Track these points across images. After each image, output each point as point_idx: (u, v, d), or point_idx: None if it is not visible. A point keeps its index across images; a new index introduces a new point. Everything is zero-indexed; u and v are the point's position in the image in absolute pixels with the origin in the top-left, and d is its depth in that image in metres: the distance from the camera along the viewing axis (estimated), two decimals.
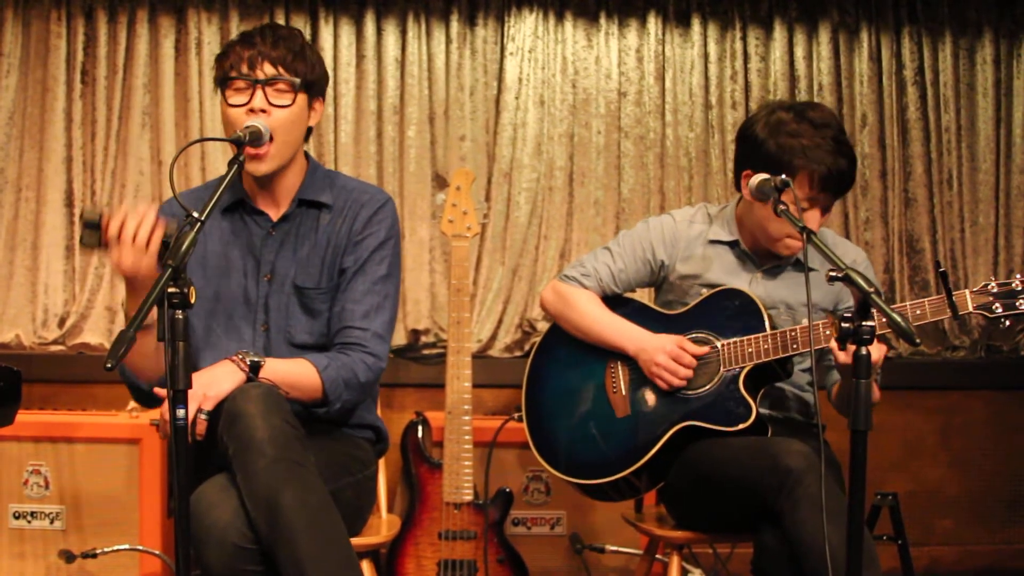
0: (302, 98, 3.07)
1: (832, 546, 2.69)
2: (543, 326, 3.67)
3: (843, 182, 3.26)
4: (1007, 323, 3.04)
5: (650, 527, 3.50)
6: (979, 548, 5.18)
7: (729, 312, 3.36)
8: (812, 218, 3.25)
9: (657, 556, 3.75)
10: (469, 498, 3.99)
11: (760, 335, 3.24)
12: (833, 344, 2.98)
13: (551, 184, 5.12)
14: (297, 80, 3.04)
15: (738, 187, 3.44)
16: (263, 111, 2.99)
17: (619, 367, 3.47)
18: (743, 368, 3.26)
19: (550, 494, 4.39)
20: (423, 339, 5.02)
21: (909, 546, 3.88)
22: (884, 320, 2.48)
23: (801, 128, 3.24)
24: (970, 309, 3.04)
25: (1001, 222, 5.32)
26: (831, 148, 3.21)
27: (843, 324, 2.45)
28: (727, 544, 4.27)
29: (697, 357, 3.31)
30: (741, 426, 3.20)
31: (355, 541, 2.80)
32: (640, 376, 3.41)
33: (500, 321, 5.07)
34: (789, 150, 3.22)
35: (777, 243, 3.34)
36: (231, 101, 3.03)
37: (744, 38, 5.21)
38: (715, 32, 5.20)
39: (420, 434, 4.17)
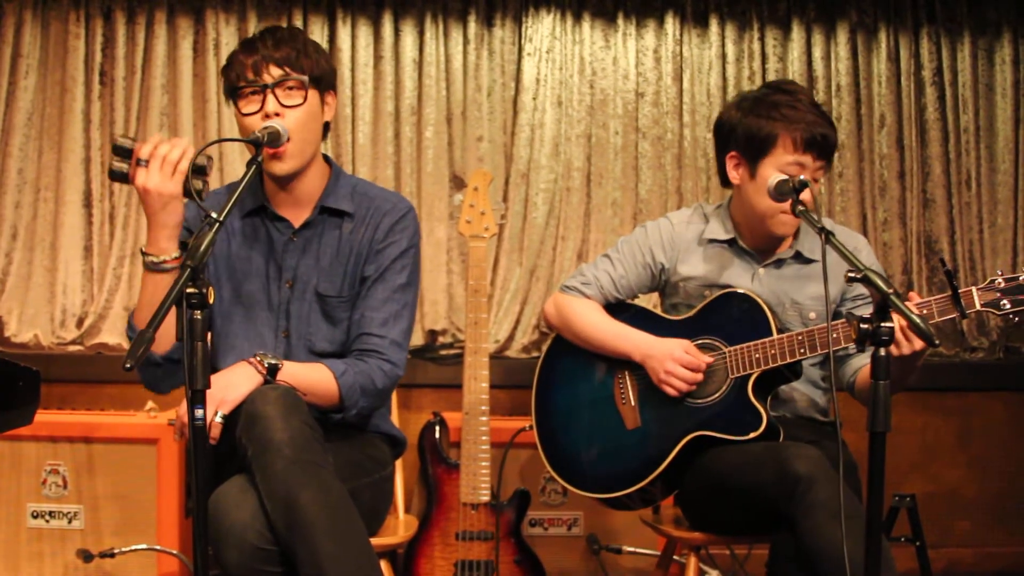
0: (313, 94, 3.06)
1: (847, 551, 2.67)
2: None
3: (825, 142, 3.23)
4: (1016, 319, 2.99)
5: (668, 528, 3.49)
6: (997, 550, 5.16)
7: (735, 316, 3.32)
8: None
9: (674, 557, 3.75)
10: (486, 499, 3.99)
11: (767, 340, 3.20)
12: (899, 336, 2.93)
13: (569, 185, 5.12)
14: (305, 77, 3.03)
15: (723, 180, 3.43)
16: (276, 114, 2.99)
17: (627, 377, 3.45)
18: (751, 374, 3.23)
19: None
20: (440, 340, 5.02)
21: (927, 548, 3.88)
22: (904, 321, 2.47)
23: (776, 98, 3.27)
24: (977, 307, 2.98)
25: (1020, 223, 5.30)
26: (808, 110, 3.23)
27: (862, 325, 2.43)
28: (744, 545, 4.27)
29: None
30: (752, 434, 3.17)
31: (373, 541, 2.80)
32: (648, 385, 3.38)
33: (517, 322, 5.07)
34: (768, 119, 3.24)
35: (770, 220, 3.29)
36: (244, 110, 3.02)
37: (762, 39, 5.21)
38: (733, 33, 5.19)
39: (437, 435, 4.17)
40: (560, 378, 3.59)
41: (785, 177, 3.06)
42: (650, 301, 3.69)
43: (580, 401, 3.52)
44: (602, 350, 3.48)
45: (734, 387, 3.25)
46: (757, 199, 3.27)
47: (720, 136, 3.42)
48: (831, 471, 2.88)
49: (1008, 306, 2.97)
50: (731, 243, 3.44)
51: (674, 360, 3.29)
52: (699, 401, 3.29)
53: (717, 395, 3.27)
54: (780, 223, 3.29)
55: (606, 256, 3.58)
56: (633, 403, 3.41)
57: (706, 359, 3.28)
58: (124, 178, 2.74)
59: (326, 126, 3.19)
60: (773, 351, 3.18)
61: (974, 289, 2.99)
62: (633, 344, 3.41)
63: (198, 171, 2.71)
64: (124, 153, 2.73)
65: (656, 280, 3.53)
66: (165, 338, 2.80)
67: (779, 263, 3.42)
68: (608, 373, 3.49)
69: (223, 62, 4.87)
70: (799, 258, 3.41)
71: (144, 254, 2.82)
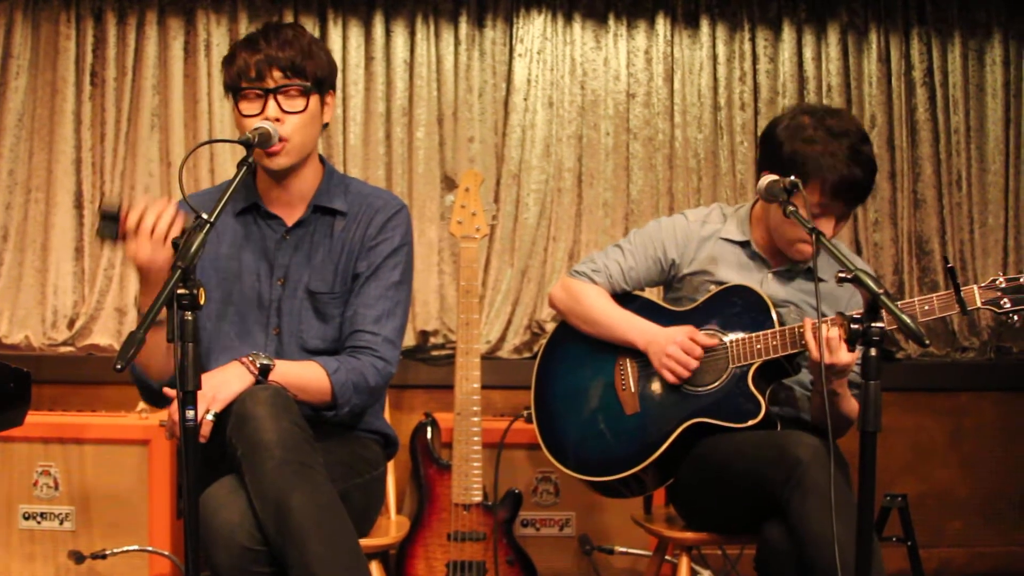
0: (315, 99, 3.05)
1: (838, 539, 2.69)
2: (552, 327, 3.67)
3: (856, 191, 3.20)
4: (1015, 319, 3.03)
5: (659, 528, 3.49)
6: (989, 550, 5.17)
7: (738, 308, 3.34)
8: (825, 226, 3.19)
9: (666, 557, 3.75)
10: (478, 499, 3.98)
11: (769, 331, 3.23)
12: (809, 337, 3.04)
13: (560, 185, 5.12)
14: (308, 84, 3.02)
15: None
16: (277, 119, 2.98)
17: (628, 364, 3.47)
18: (752, 364, 3.25)
19: (559, 495, 4.39)
20: (432, 340, 5.02)
21: (918, 548, 3.88)
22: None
23: (817, 135, 3.20)
24: (978, 304, 3.04)
25: (1010, 223, 5.31)
26: (845, 156, 3.16)
27: (852, 325, 2.44)
28: (736, 545, 4.27)
29: (706, 350, 3.30)
30: (751, 422, 3.19)
31: (364, 542, 2.80)
32: (649, 373, 3.40)
33: (509, 322, 5.07)
34: (803, 156, 3.18)
35: (790, 247, 3.32)
36: (244, 111, 3.00)
37: (753, 39, 5.21)
38: (724, 33, 5.19)
39: (429, 435, 4.17)
40: (561, 363, 3.61)
41: (776, 178, 3.05)
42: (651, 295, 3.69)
43: (580, 386, 3.54)
44: (608, 336, 3.50)
45: (734, 377, 3.27)
46: (781, 226, 3.27)
47: (764, 148, 3.37)
48: (828, 460, 2.89)
49: (1008, 305, 3.02)
50: (744, 245, 3.46)
51: (676, 344, 3.31)
52: (699, 389, 3.31)
53: (717, 384, 3.29)
54: (798, 251, 3.31)
55: (618, 246, 3.59)
56: (633, 389, 3.42)
57: (707, 341, 3.30)
58: (114, 241, 2.74)
59: (324, 125, 3.19)
60: (775, 342, 3.21)
61: (975, 287, 3.05)
62: (638, 331, 3.43)
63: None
64: (112, 218, 2.72)
65: (665, 275, 3.55)
66: (165, 369, 2.85)
67: (789, 273, 3.44)
68: (609, 359, 3.51)
69: (214, 63, 4.90)
70: (809, 273, 3.42)
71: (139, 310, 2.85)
